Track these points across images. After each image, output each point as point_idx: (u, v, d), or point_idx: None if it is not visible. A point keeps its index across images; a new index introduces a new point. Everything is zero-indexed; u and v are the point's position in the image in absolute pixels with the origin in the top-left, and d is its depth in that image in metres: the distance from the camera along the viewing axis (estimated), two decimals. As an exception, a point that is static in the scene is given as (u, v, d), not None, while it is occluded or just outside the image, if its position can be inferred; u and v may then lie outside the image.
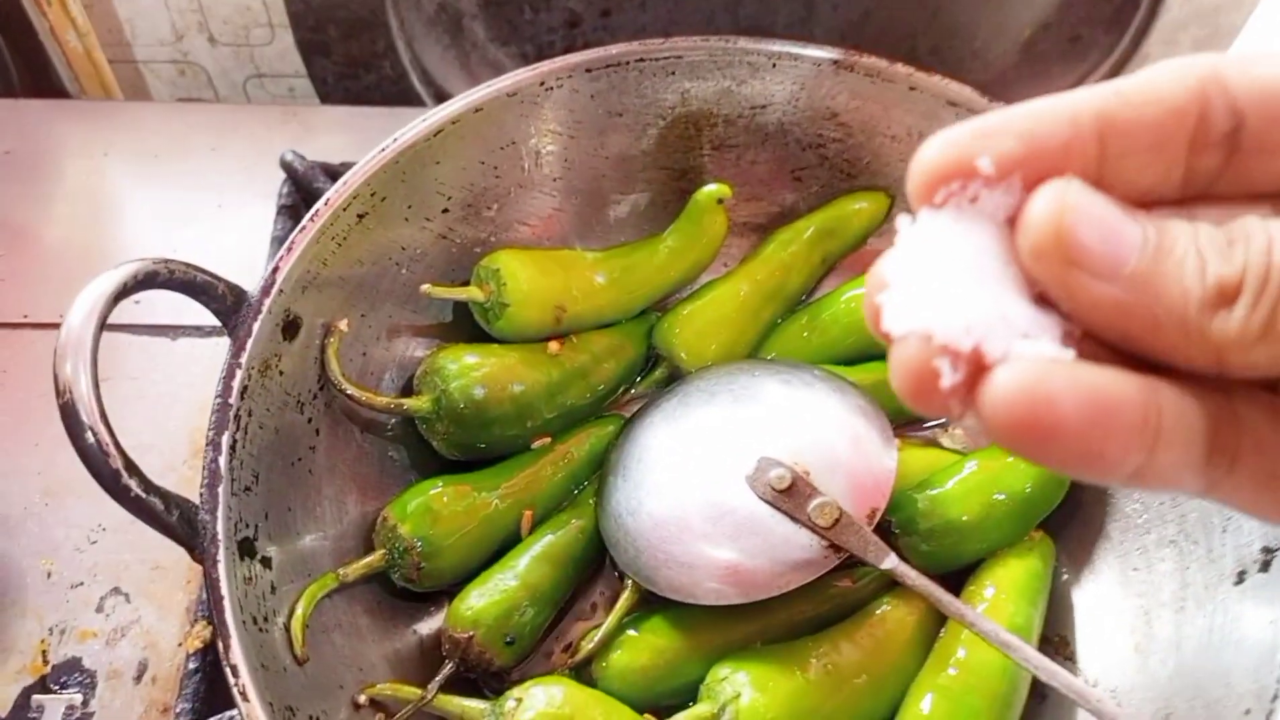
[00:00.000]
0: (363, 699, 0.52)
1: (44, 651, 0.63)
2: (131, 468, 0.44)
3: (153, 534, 0.67)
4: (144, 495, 0.45)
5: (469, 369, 0.59)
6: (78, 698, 0.62)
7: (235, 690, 0.44)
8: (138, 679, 0.63)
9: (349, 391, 0.57)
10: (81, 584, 0.65)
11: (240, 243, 0.78)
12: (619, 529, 0.58)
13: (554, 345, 0.63)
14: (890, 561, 0.52)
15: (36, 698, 0.61)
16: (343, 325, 0.58)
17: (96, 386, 0.44)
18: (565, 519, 0.60)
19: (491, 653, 0.55)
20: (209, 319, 0.75)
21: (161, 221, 0.81)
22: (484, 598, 0.56)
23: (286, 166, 0.74)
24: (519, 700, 0.51)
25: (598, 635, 0.56)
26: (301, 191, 0.75)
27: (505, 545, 0.59)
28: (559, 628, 0.60)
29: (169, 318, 0.76)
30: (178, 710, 0.59)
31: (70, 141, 0.85)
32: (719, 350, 0.65)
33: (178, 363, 0.74)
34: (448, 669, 0.54)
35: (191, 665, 0.60)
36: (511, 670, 0.57)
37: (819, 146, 0.68)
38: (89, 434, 0.43)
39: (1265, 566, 0.50)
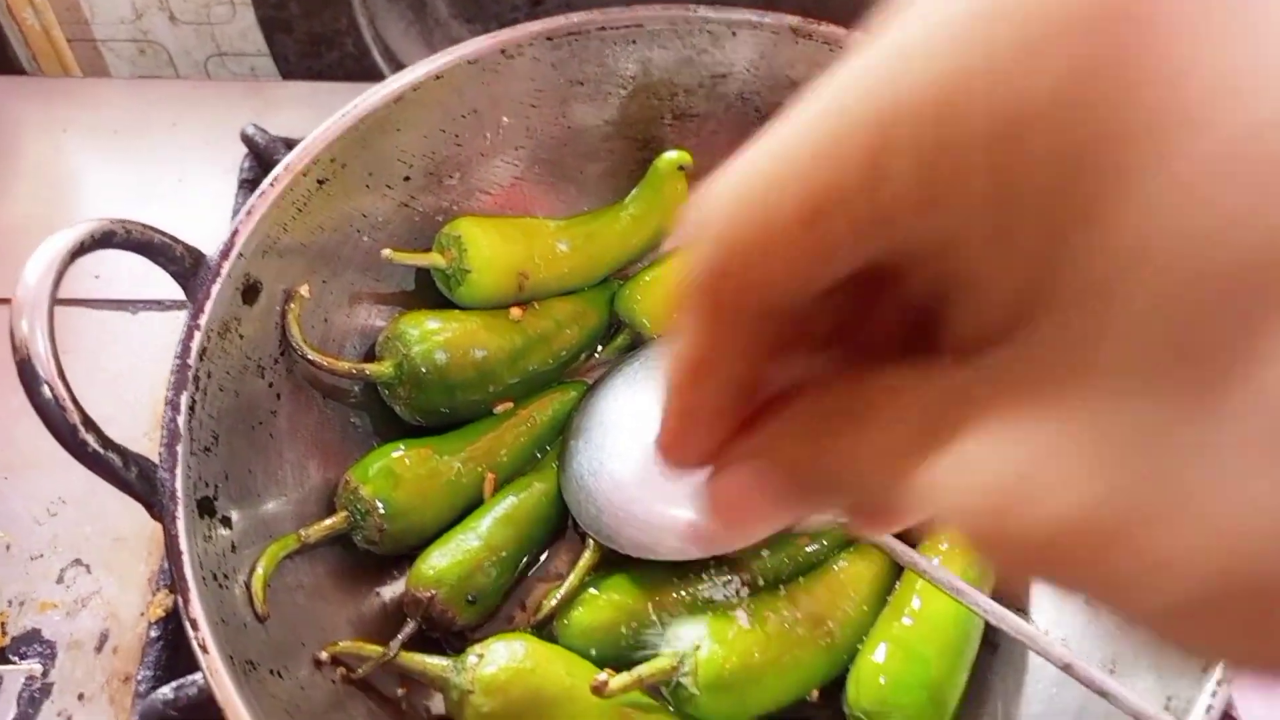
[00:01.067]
0: (324, 656, 0.52)
1: (3, 623, 0.63)
2: (89, 423, 0.44)
3: (114, 506, 0.67)
4: (101, 451, 0.45)
5: (431, 334, 0.60)
6: (38, 668, 0.61)
7: (195, 643, 0.44)
8: (99, 649, 0.62)
9: (310, 356, 0.57)
10: (41, 556, 0.65)
11: (202, 217, 0.77)
12: (581, 490, 0.58)
13: (516, 311, 0.64)
14: None
15: (-4, 668, 0.61)
16: (304, 291, 0.58)
17: (53, 343, 0.44)
18: (528, 482, 0.61)
19: (453, 611, 0.55)
20: (169, 292, 0.75)
21: (122, 197, 0.81)
22: (446, 557, 0.56)
23: (248, 140, 0.74)
24: (480, 655, 0.52)
25: (559, 593, 0.56)
26: (263, 165, 0.75)
27: (467, 509, 0.60)
28: (522, 589, 0.61)
29: (129, 292, 0.76)
30: (139, 678, 0.59)
31: (28, 119, 0.85)
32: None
33: (138, 336, 0.74)
34: (410, 628, 0.54)
35: (153, 634, 0.60)
36: (474, 630, 0.57)
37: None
38: (46, 389, 0.43)
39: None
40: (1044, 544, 0.15)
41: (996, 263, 0.16)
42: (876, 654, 0.53)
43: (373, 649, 0.53)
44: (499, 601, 0.58)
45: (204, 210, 0.78)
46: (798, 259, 0.18)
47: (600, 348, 0.69)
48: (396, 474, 0.57)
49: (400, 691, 0.55)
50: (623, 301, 0.67)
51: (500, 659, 0.51)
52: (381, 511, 0.56)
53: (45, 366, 0.43)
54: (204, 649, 0.44)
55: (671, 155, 0.66)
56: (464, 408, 0.62)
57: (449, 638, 0.57)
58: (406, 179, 0.64)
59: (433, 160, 0.64)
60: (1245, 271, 0.13)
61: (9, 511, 0.66)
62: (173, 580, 0.55)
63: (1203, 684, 0.47)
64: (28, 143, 0.84)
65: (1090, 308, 0.15)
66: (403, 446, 0.59)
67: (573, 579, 0.56)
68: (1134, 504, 0.14)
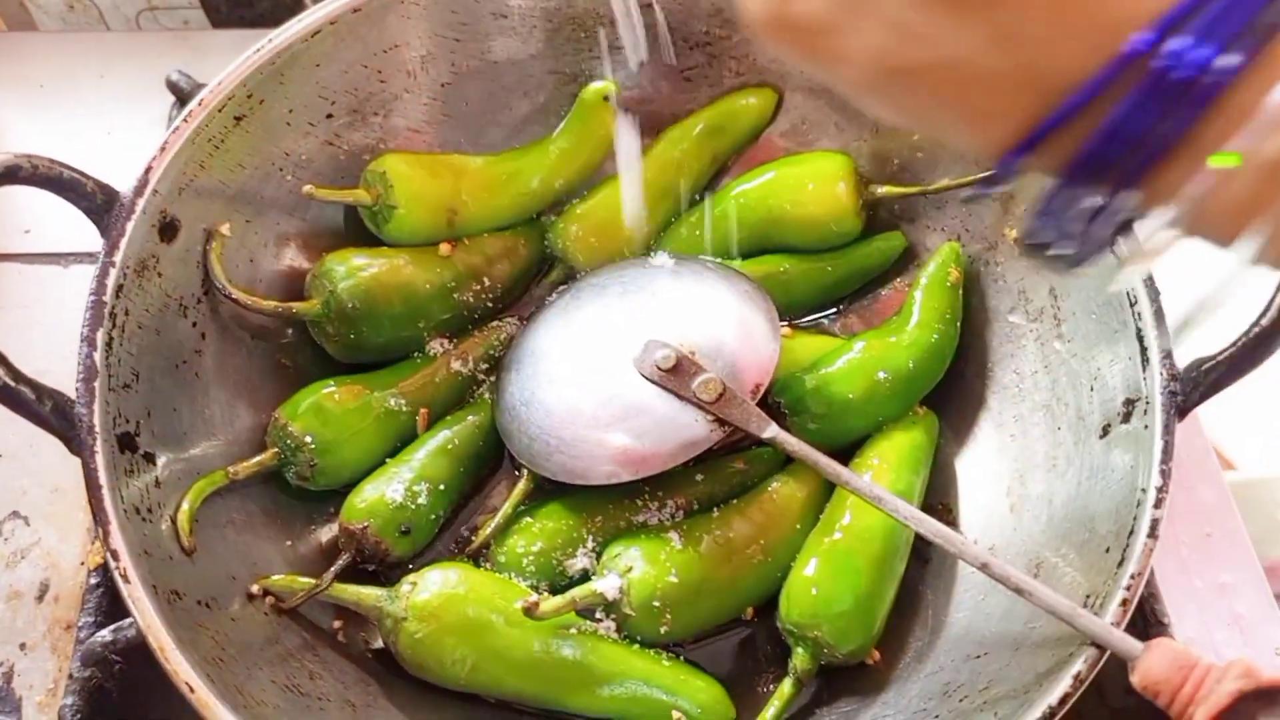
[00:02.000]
0: (255, 589, 0.52)
1: (-59, 577, 0.62)
2: (-2, 357, 0.44)
3: (51, 458, 0.66)
4: (12, 384, 0.44)
5: (357, 269, 0.60)
6: (-22, 620, 0.61)
7: (116, 573, 0.44)
8: (40, 599, 0.62)
9: (234, 295, 0.56)
10: (-22, 510, 0.65)
11: (129, 165, 0.76)
12: (513, 420, 0.59)
13: (445, 247, 0.63)
14: (771, 431, 0.53)
15: (-66, 621, 0.61)
16: (225, 229, 0.57)
17: (-44, 277, 0.44)
18: (462, 416, 0.61)
19: (387, 543, 0.55)
20: (101, 245, 0.75)
21: (48, 148, 0.79)
22: (379, 489, 0.56)
23: (173, 87, 0.73)
24: (414, 583, 0.52)
25: (494, 522, 0.57)
26: (191, 112, 0.74)
27: (400, 445, 0.60)
28: (458, 523, 0.61)
29: (60, 246, 0.75)
30: (80, 625, 0.59)
31: (-47, 74, 0.83)
32: (613, 249, 0.66)
33: (71, 290, 0.73)
34: (344, 559, 0.55)
35: (93, 581, 0.60)
36: (409, 562, 0.58)
37: (706, 45, 0.69)
38: (-52, 322, 0.42)
39: (1126, 418, 0.53)
40: (795, 29, 0.30)
41: None
42: (807, 569, 0.54)
43: (305, 581, 0.53)
44: (434, 534, 0.59)
45: (131, 160, 0.76)
46: None
47: (535, 283, 0.68)
48: (327, 409, 0.57)
49: (336, 624, 0.56)
50: (555, 236, 0.67)
51: (434, 585, 0.52)
52: (311, 446, 0.56)
53: (-53, 300, 0.42)
54: (125, 578, 0.44)
55: (597, 85, 0.65)
56: (395, 345, 0.62)
57: (386, 571, 0.57)
58: (329, 116, 0.63)
59: (355, 97, 0.64)
60: None
61: (-57, 467, 0.66)
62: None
63: (1118, 580, 0.48)
64: (-47, 99, 0.82)
65: None
66: (333, 383, 0.59)
67: (506, 507, 0.57)
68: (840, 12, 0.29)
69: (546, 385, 0.58)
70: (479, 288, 0.64)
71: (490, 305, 0.65)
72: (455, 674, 0.52)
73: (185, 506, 0.51)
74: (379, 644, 0.56)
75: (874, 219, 0.67)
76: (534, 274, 0.68)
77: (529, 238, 0.67)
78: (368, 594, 0.53)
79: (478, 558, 0.57)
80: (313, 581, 0.53)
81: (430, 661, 0.52)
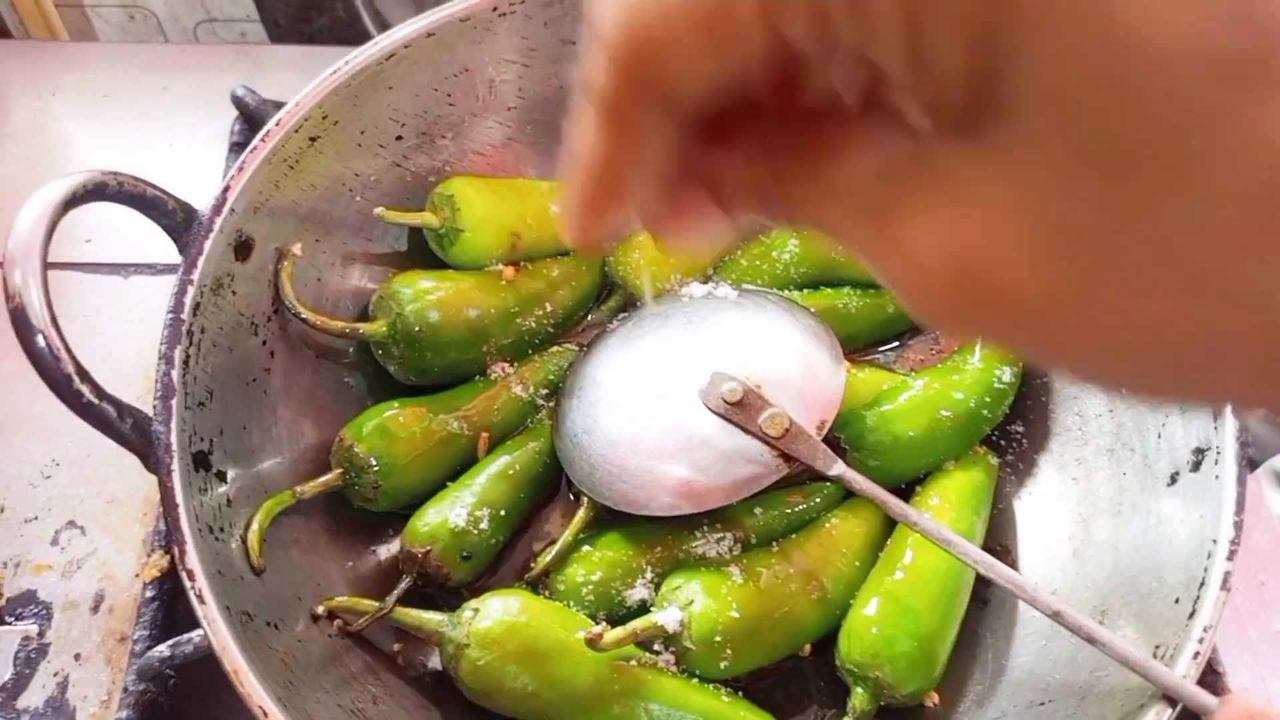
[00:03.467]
0: (321, 610, 0.52)
1: (-1, 584, 0.63)
2: (83, 374, 0.44)
3: (108, 469, 0.67)
4: (96, 401, 0.45)
5: (424, 293, 0.60)
6: (34, 629, 0.62)
7: (192, 593, 0.45)
8: (95, 609, 0.63)
9: (303, 315, 0.57)
10: (36, 518, 0.65)
11: (193, 179, 0.76)
12: (574, 448, 0.59)
13: (509, 271, 0.64)
14: (838, 468, 0.53)
15: (-9, 629, 0.61)
16: (296, 249, 0.58)
17: (47, 293, 0.44)
18: (522, 441, 0.61)
19: (448, 567, 0.55)
20: (161, 256, 0.75)
21: (112, 160, 0.80)
22: (441, 513, 0.56)
23: (238, 102, 0.74)
24: (476, 610, 0.52)
25: (553, 550, 0.57)
26: (254, 128, 0.74)
27: (461, 468, 0.60)
28: (517, 549, 0.61)
29: (121, 256, 0.75)
30: (135, 638, 0.59)
31: (16, 81, 0.84)
32: (672, 277, 0.66)
33: (131, 300, 0.74)
34: (405, 583, 0.55)
35: (149, 594, 0.60)
36: (469, 588, 0.58)
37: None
38: (40, 338, 0.43)
39: (1196, 467, 0.53)
40: (1000, 306, 0.18)
41: (925, 47, 0.17)
42: (868, 608, 0.54)
43: (369, 604, 0.53)
44: (493, 558, 0.59)
45: (195, 172, 0.78)
46: (699, 51, 0.19)
47: (593, 309, 0.69)
48: (391, 432, 0.57)
49: (396, 647, 0.56)
50: (616, 263, 0.67)
51: (495, 613, 0.52)
52: (376, 469, 0.56)
53: (39, 316, 0.43)
54: (201, 599, 0.44)
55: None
56: (457, 368, 0.62)
57: (444, 595, 0.58)
58: (399, 138, 0.63)
59: (425, 119, 0.64)
60: (1227, 54, 0.15)
61: (3, 474, 0.66)
62: (168, 540, 0.55)
63: (1189, 632, 0.48)
64: (16, 107, 0.83)
65: (1044, 96, 0.16)
66: (397, 405, 0.59)
67: (567, 535, 0.57)
68: (1081, 287, 0.17)
69: (608, 414, 0.58)
70: (540, 313, 0.64)
71: (551, 330, 0.66)
72: (515, 701, 0.52)
73: (255, 525, 0.51)
74: (435, 663, 0.56)
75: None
76: (593, 301, 0.68)
77: (589, 264, 0.67)
78: (430, 619, 0.53)
79: (536, 585, 0.57)
80: (377, 604, 0.53)
81: (491, 688, 0.51)
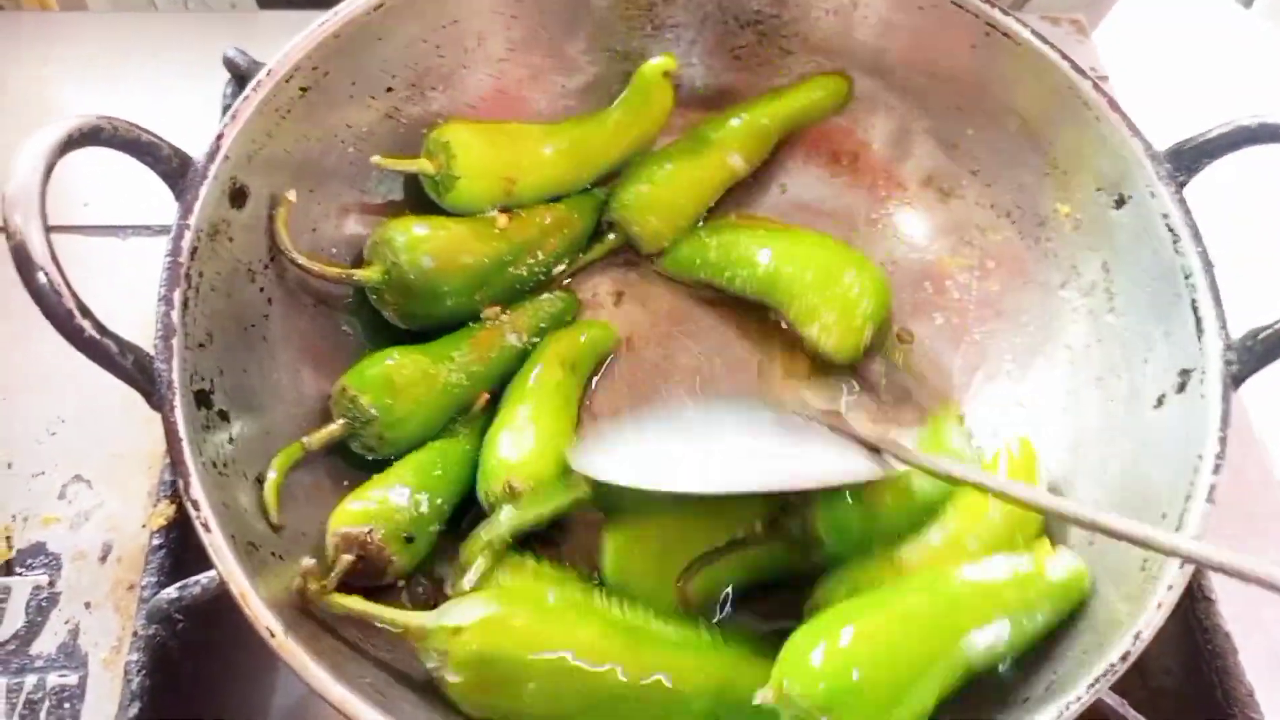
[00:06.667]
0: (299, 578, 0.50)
1: (8, 537, 0.64)
2: (85, 310, 0.45)
3: (113, 423, 0.68)
4: (98, 337, 0.45)
5: (418, 240, 0.60)
6: (44, 579, 0.63)
7: (198, 523, 0.45)
8: (103, 559, 0.64)
9: (299, 261, 0.58)
10: (42, 473, 0.66)
11: (186, 138, 0.77)
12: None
13: (502, 219, 0.64)
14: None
15: (2, 580, 0.62)
16: (290, 196, 0.58)
17: (46, 233, 0.45)
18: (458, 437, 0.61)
19: (390, 550, 0.54)
20: (158, 218, 0.76)
21: (106, 126, 0.81)
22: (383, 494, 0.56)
23: (229, 63, 0.74)
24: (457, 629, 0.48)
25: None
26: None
27: (457, 414, 0.61)
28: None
29: (118, 218, 0.76)
30: (143, 585, 0.60)
31: (8, 52, 0.84)
32: (670, 220, 0.67)
33: (128, 261, 0.75)
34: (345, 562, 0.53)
35: (155, 542, 0.61)
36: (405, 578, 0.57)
37: (756, 24, 0.70)
38: (41, 274, 0.44)
39: (1181, 388, 0.53)
40: None
41: None
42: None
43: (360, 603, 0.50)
44: (430, 549, 0.57)
45: (188, 133, 0.78)
46: None
47: (585, 250, 0.69)
48: (394, 382, 0.58)
49: (401, 583, 0.57)
50: (618, 205, 0.67)
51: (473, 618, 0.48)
52: (380, 420, 0.57)
53: (40, 253, 0.44)
54: (206, 527, 0.45)
55: (656, 61, 0.66)
56: (453, 314, 0.63)
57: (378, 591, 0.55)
58: (390, 90, 0.64)
59: (415, 71, 0.65)
60: None
61: (9, 431, 0.67)
62: (173, 481, 0.56)
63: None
64: (7, 77, 0.83)
65: None
66: (396, 354, 0.59)
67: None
68: None
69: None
70: (533, 260, 0.65)
71: (542, 277, 0.66)
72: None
73: (272, 478, 0.52)
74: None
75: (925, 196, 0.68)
76: (582, 245, 0.69)
77: (582, 209, 0.68)
78: (407, 621, 0.49)
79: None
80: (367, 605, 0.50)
81: (485, 707, 0.49)
